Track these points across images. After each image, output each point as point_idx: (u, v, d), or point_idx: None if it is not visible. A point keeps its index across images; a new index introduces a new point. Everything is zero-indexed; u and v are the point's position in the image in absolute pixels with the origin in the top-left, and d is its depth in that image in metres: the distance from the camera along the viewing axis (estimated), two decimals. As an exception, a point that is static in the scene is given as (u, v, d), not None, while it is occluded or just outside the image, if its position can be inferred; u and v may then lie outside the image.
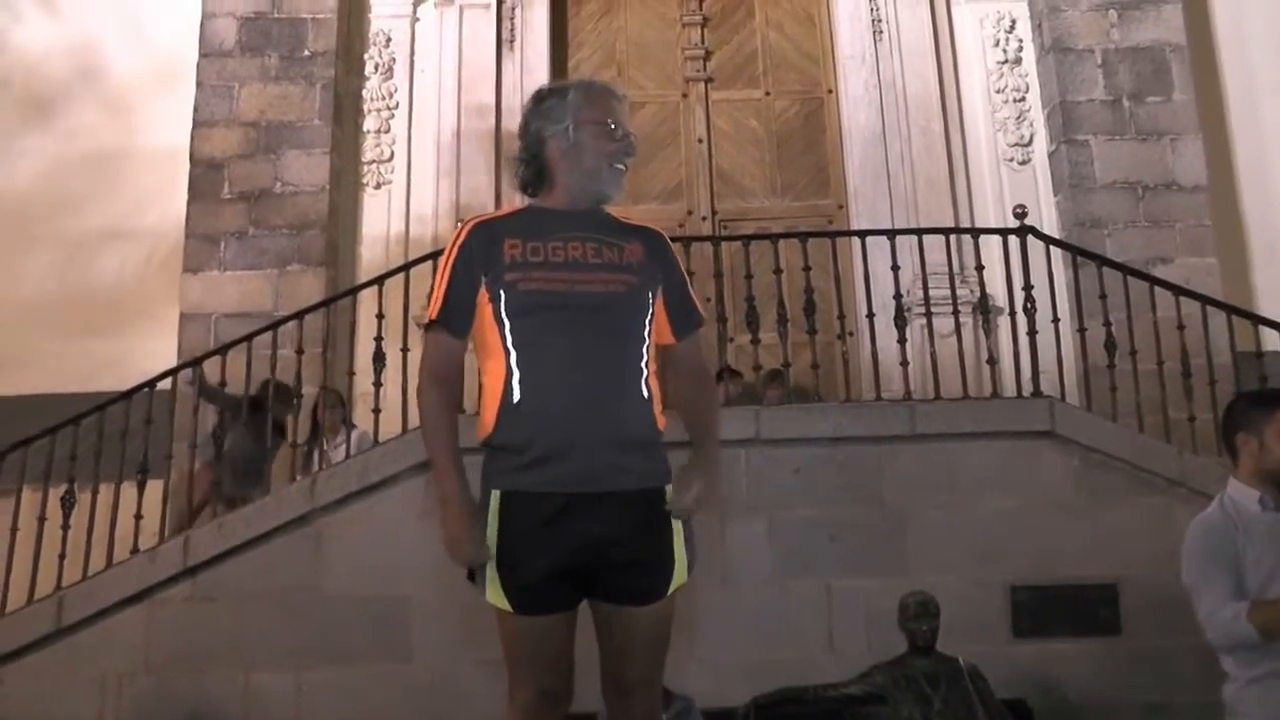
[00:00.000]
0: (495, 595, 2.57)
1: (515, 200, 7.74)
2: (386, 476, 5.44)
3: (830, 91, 8.70)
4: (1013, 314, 5.82)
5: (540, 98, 2.68)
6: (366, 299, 6.20)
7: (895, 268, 5.93)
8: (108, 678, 5.24)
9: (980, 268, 6.13)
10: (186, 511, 5.76)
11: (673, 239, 6.42)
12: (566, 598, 2.56)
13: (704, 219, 8.37)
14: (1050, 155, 8.04)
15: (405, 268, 5.96)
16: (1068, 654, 5.38)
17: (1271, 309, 6.51)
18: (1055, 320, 5.79)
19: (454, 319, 2.58)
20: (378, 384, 5.64)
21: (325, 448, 5.90)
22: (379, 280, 5.86)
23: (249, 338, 5.58)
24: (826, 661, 5.25)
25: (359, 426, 6.11)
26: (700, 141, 8.55)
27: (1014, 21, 8.44)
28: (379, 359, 5.66)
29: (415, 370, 5.77)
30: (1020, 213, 6.39)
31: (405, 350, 5.72)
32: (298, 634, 5.25)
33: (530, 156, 2.65)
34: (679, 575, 2.60)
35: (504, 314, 2.51)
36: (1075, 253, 6.27)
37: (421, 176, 7.75)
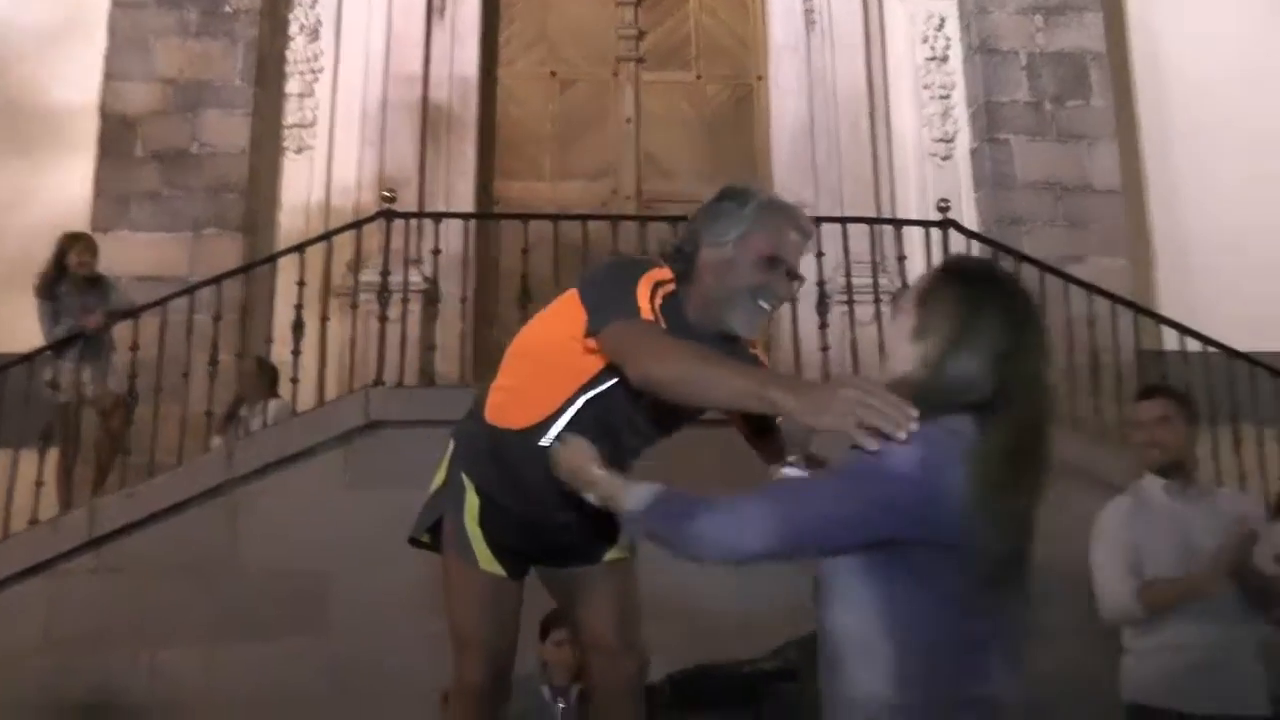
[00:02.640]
0: (488, 563, 2.69)
1: (463, 177, 7.73)
2: (306, 447, 5.32)
3: (760, 79, 8.72)
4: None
5: (722, 196, 2.47)
6: (285, 267, 6.06)
7: (819, 254, 6.00)
8: (5, 654, 5.01)
9: (902, 258, 6.26)
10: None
11: (596, 218, 6.48)
12: (524, 567, 2.78)
13: (629, 199, 8.33)
14: (973, 152, 8.19)
15: (327, 236, 5.83)
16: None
17: (1172, 309, 6.74)
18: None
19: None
20: (296, 352, 5.52)
21: (244, 415, 5.74)
22: (300, 247, 5.73)
23: (163, 301, 5.40)
24: (740, 639, 5.32)
25: (281, 397, 5.97)
26: (629, 122, 8.50)
27: (943, 20, 8.57)
28: (298, 328, 5.53)
29: (335, 341, 5.76)
30: (944, 206, 6.54)
31: (325, 320, 5.61)
32: (209, 608, 5.11)
33: (684, 252, 2.44)
34: (622, 546, 2.76)
35: (595, 382, 2.45)
36: (995, 247, 6.41)
37: (345, 144, 7.56)
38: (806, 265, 6.21)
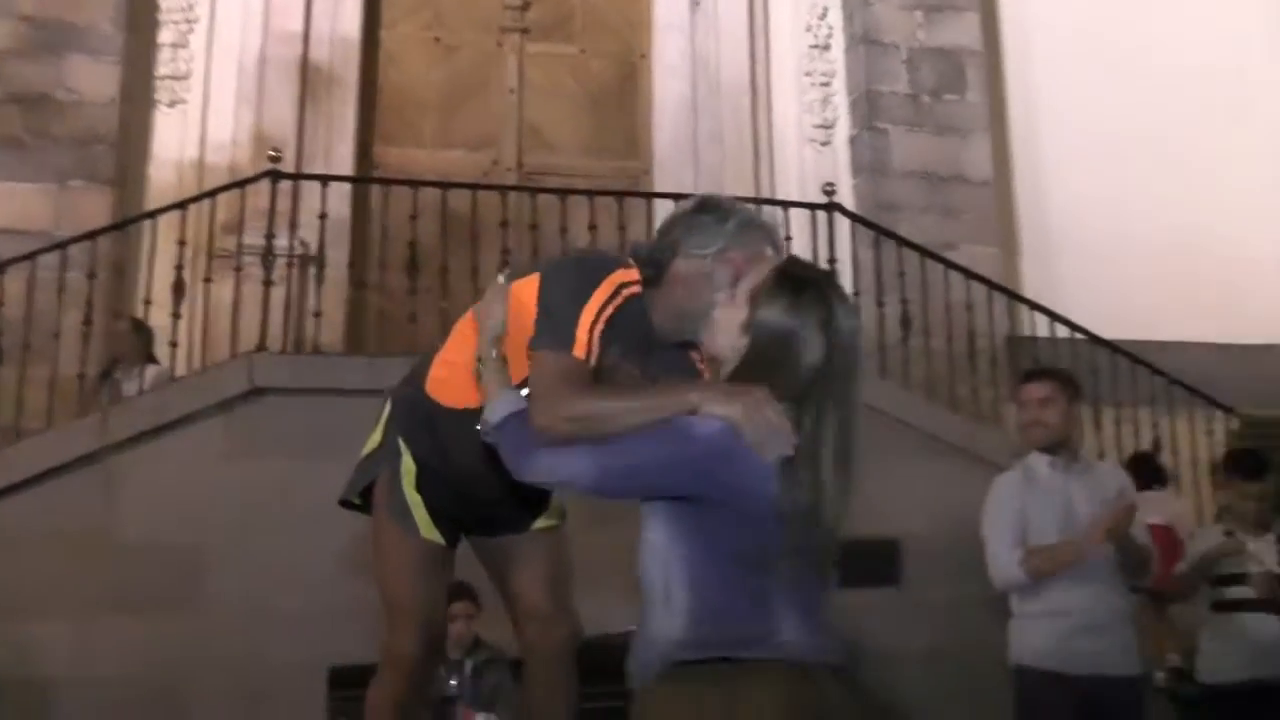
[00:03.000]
0: (429, 530, 2.66)
1: (342, 140, 7.49)
2: (185, 414, 5.10)
3: (644, 57, 8.75)
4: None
5: (701, 207, 2.41)
6: (159, 225, 5.76)
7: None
8: None
9: (788, 239, 6.38)
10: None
11: (486, 187, 6.38)
12: (457, 534, 2.76)
13: (510, 170, 8.25)
14: (852, 140, 8.41)
15: (211, 193, 5.59)
16: (853, 605, 5.72)
17: (1035, 297, 7.07)
18: (856, 294, 6.11)
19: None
20: (176, 315, 5.29)
21: (119, 379, 5.45)
22: (182, 204, 5.48)
23: (32, 256, 5.07)
24: (628, 609, 5.37)
25: (159, 361, 5.69)
26: (512, 92, 8.41)
27: (826, 9, 8.74)
28: (179, 289, 5.29)
29: (218, 304, 5.53)
30: (829, 190, 6.71)
31: (209, 281, 5.38)
32: (81, 581, 4.86)
33: (656, 259, 2.38)
34: (551, 515, 2.78)
35: None
36: (879, 232, 6.61)
37: (221, 100, 7.23)
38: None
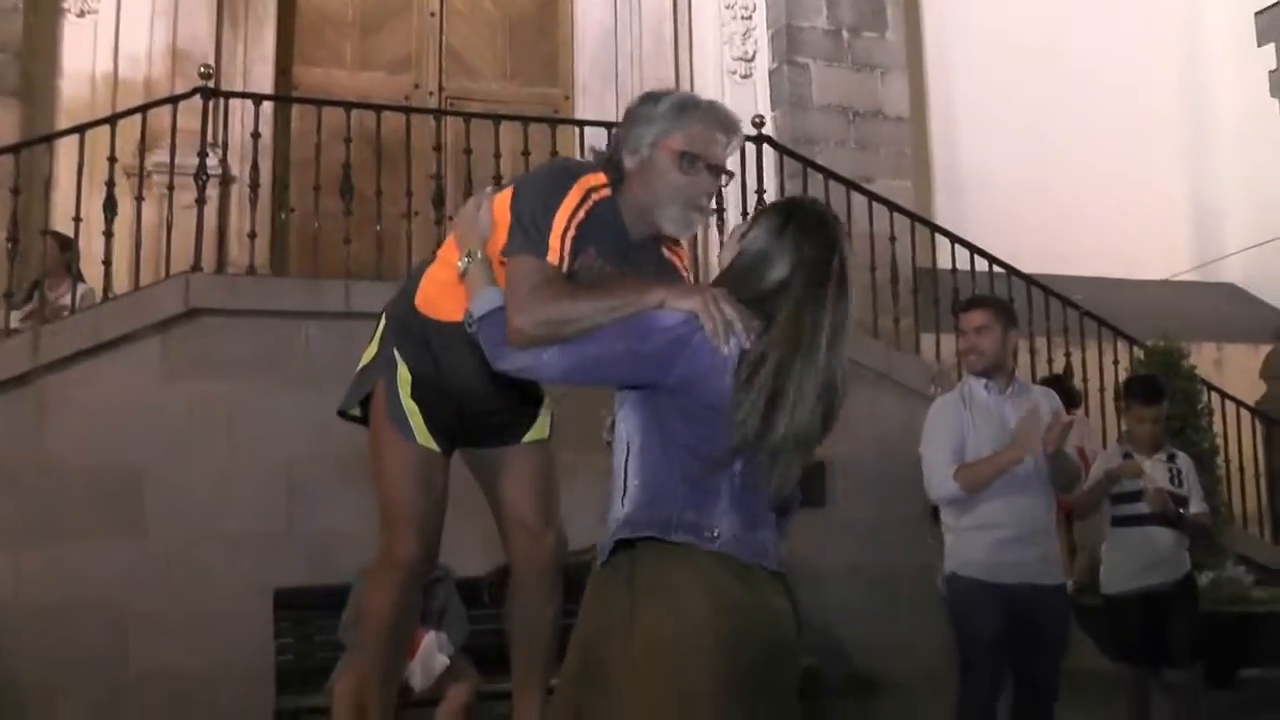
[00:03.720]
0: (424, 437, 2.75)
1: (262, 59, 7.24)
2: (122, 335, 4.98)
3: (566, -17, 8.69)
4: (745, 216, 6.22)
5: (641, 100, 2.43)
6: (69, 144, 5.54)
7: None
8: None
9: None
10: None
11: (397, 109, 6.31)
12: (452, 444, 2.85)
13: (431, 94, 8.14)
14: (771, 73, 8.52)
15: (142, 109, 5.41)
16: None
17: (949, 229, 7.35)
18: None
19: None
20: (109, 234, 5.13)
21: (49, 296, 5.27)
22: (111, 120, 5.29)
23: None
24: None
25: (86, 282, 5.51)
26: (432, 15, 8.27)
27: (748, -57, 8.79)
28: (110, 207, 5.13)
29: (149, 222, 5.37)
30: (758, 122, 6.82)
31: (140, 199, 5.22)
32: (14, 508, 4.76)
33: (609, 158, 2.43)
34: (539, 429, 2.90)
35: None
36: (804, 163, 6.75)
37: (134, 12, 6.92)
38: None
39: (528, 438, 2.87)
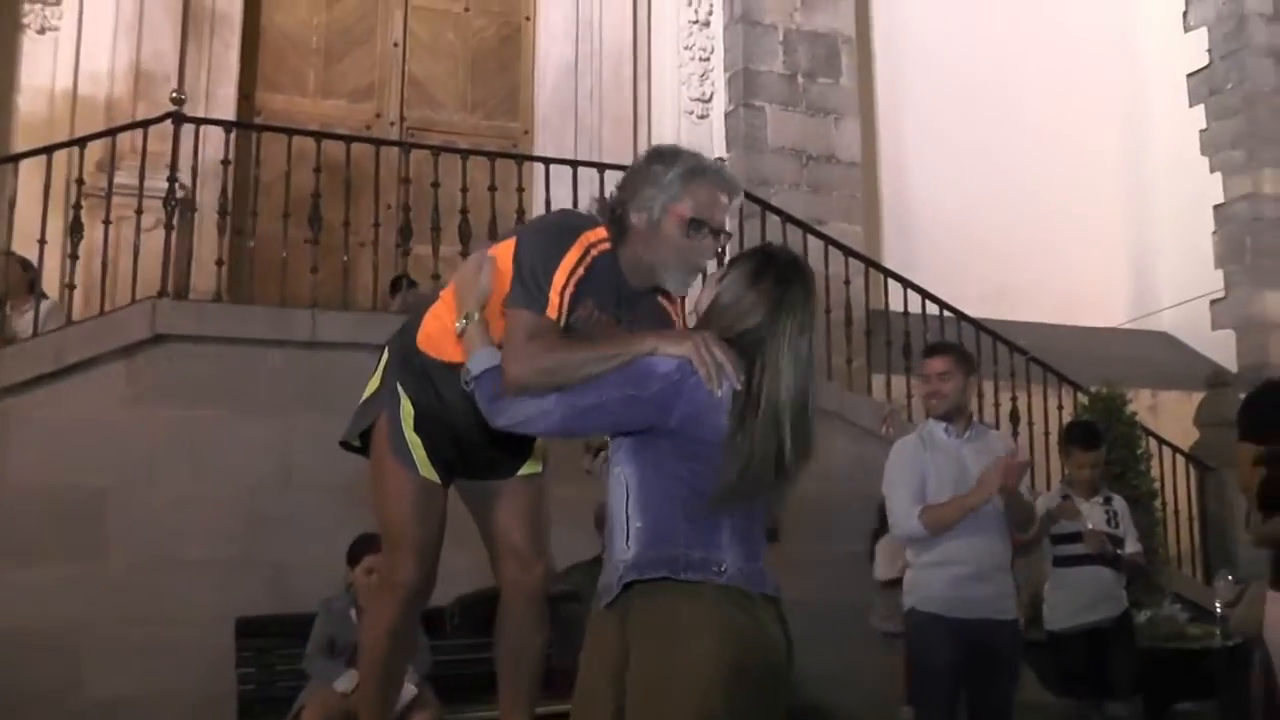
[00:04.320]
0: (427, 469, 2.82)
1: (225, 82, 7.22)
2: (86, 359, 4.94)
3: (528, 19, 8.82)
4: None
5: (650, 158, 2.48)
6: (30, 162, 5.48)
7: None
8: None
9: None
10: None
11: (367, 141, 6.35)
12: (450, 476, 2.91)
13: (392, 124, 8.21)
14: (728, 115, 8.70)
15: (111, 132, 5.38)
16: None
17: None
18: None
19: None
20: (74, 256, 5.10)
21: (10, 314, 5.19)
22: (80, 141, 5.25)
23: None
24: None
25: (50, 296, 5.45)
26: (396, 45, 8.35)
27: (708, -14, 9.00)
28: (76, 230, 5.10)
29: (118, 244, 5.33)
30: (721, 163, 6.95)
31: (107, 223, 5.20)
32: (-26, 528, 4.68)
33: (616, 215, 2.48)
34: (533, 463, 2.98)
35: None
36: (764, 207, 6.91)
37: (97, 29, 6.88)
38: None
39: (523, 471, 2.95)
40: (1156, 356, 8.62)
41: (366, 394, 2.92)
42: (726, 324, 2.11)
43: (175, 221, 5.39)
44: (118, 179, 5.64)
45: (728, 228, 2.54)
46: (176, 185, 5.44)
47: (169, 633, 4.88)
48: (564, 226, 2.60)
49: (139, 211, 5.29)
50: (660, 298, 2.64)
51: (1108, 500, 4.67)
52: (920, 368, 4.15)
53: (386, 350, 2.91)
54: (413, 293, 6.62)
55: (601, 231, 2.52)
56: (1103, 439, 4.89)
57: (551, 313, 2.38)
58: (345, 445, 2.98)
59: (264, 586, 5.06)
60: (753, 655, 2.01)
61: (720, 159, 7.06)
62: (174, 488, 5.03)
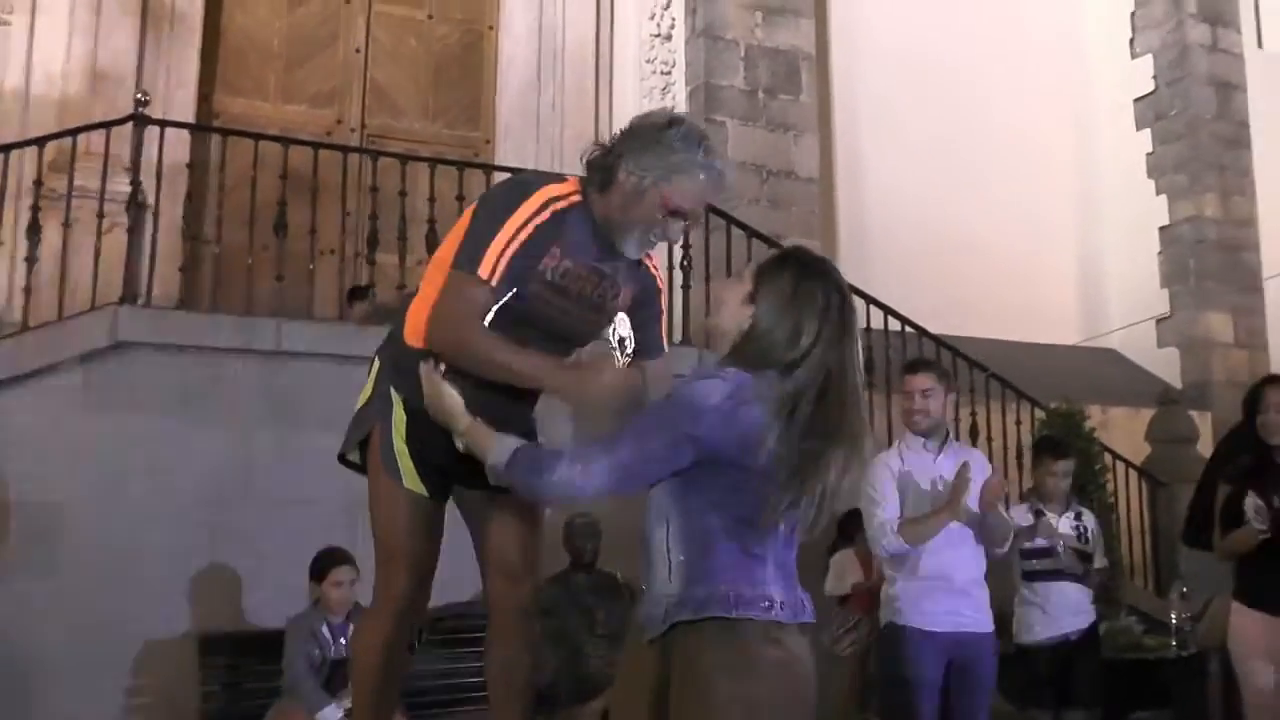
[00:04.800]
0: (413, 482, 2.74)
1: (184, 84, 7.06)
2: (43, 366, 4.79)
3: (491, 28, 8.80)
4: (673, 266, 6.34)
5: (668, 125, 2.47)
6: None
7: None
8: None
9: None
10: None
11: (334, 148, 6.27)
12: (448, 487, 2.84)
13: (353, 131, 8.12)
14: (690, 129, 8.72)
15: (73, 132, 5.24)
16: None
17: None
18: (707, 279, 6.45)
19: (497, 289, 2.49)
20: (31, 259, 4.94)
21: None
22: (39, 141, 5.11)
23: None
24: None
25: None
26: (358, 51, 8.27)
27: (670, 0, 9.04)
28: (34, 232, 4.95)
29: (78, 245, 5.18)
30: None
31: (66, 225, 5.06)
32: (-76, 540, 4.51)
33: (607, 163, 2.50)
34: None
35: (497, 302, 2.52)
36: (730, 221, 6.92)
37: (51, 26, 6.70)
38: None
39: None
40: (1105, 373, 8.82)
41: (359, 404, 2.86)
42: (777, 350, 2.02)
43: (136, 225, 5.24)
44: (76, 181, 5.50)
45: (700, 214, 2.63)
46: (121, 187, 5.31)
47: (128, 650, 4.75)
48: (518, 184, 2.66)
49: (100, 215, 5.15)
50: (648, 261, 2.70)
51: (1078, 515, 4.74)
52: (904, 383, 4.17)
53: (376, 358, 2.85)
54: (372, 301, 6.55)
55: (567, 186, 2.55)
56: (1071, 451, 4.99)
57: (483, 271, 2.44)
58: (343, 460, 2.92)
59: (227, 602, 4.95)
60: (791, 692, 2.01)
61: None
62: (133, 500, 4.89)
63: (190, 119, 6.94)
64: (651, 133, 2.47)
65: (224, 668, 4.69)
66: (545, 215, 2.47)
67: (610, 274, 2.61)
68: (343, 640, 4.37)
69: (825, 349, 2.03)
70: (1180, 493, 6.66)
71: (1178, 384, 8.75)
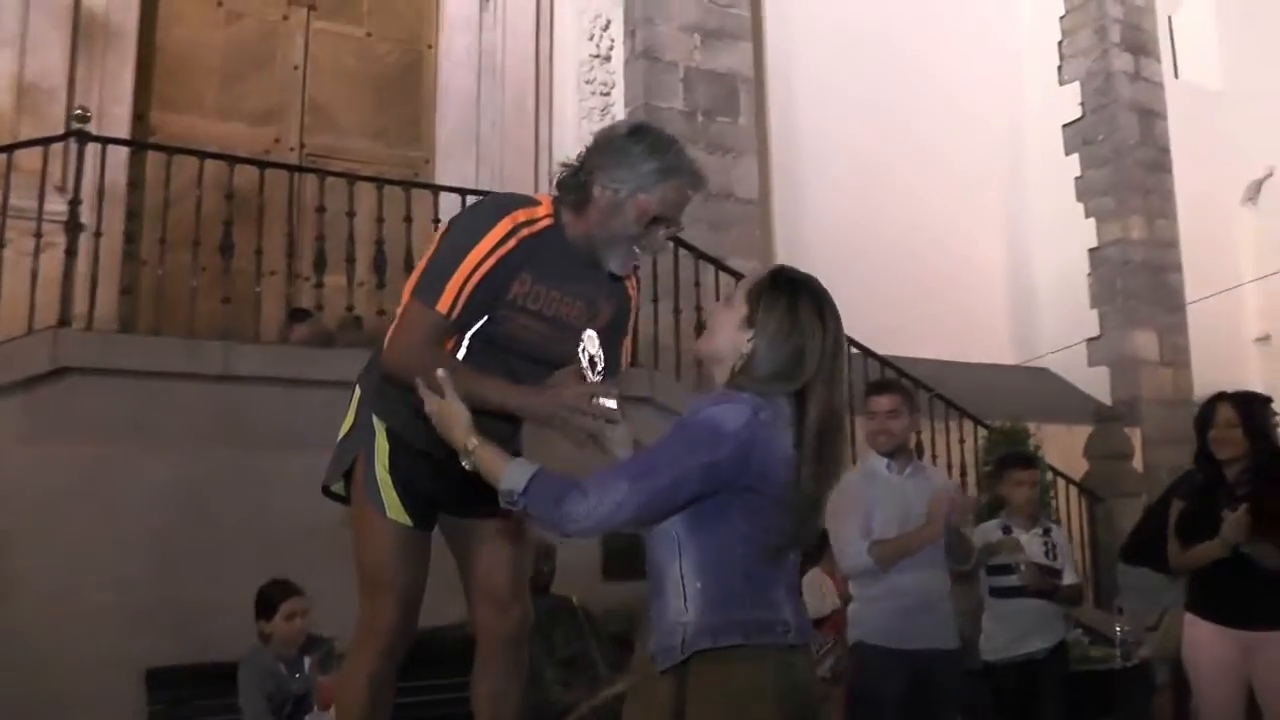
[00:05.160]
0: (396, 512, 2.71)
1: (118, 100, 6.84)
2: (-19, 393, 4.61)
3: (431, 47, 8.72)
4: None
5: (631, 135, 2.48)
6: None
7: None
8: None
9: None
10: None
11: (282, 167, 6.19)
12: (433, 516, 2.82)
13: (292, 150, 7.98)
14: (630, 150, 8.75)
15: (8, 149, 5.04)
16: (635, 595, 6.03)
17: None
18: (654, 300, 6.48)
19: (457, 319, 2.47)
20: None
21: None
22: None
23: None
24: (447, 601, 5.39)
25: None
26: (296, 69, 8.12)
27: (609, 22, 9.06)
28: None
29: (12, 266, 5.00)
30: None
31: (0, 246, 4.88)
32: None
33: (579, 181, 2.48)
34: None
35: (470, 328, 2.51)
36: (678, 243, 6.96)
37: (-25, 37, 6.48)
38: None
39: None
40: (1037, 391, 9.05)
41: (341, 433, 2.81)
42: (786, 376, 2.04)
43: (74, 246, 5.07)
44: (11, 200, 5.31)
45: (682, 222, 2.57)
46: (59, 207, 5.14)
47: (72, 684, 4.55)
48: (489, 207, 2.59)
49: (38, 235, 4.97)
50: (627, 280, 2.67)
51: (1046, 531, 4.75)
52: (867, 404, 4.20)
53: (357, 386, 2.80)
54: (314, 323, 6.42)
55: (538, 210, 2.51)
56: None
57: (442, 306, 2.42)
58: (327, 492, 2.86)
59: (174, 634, 4.79)
60: (809, 715, 2.03)
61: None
62: (77, 529, 4.72)
63: (125, 135, 6.74)
64: (620, 145, 2.46)
65: (172, 702, 4.54)
66: (511, 244, 2.45)
67: (587, 295, 2.59)
68: (299, 675, 4.25)
69: (825, 369, 2.06)
70: (1118, 507, 6.87)
71: (1108, 401, 9.02)
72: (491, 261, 2.43)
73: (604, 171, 2.43)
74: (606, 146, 2.47)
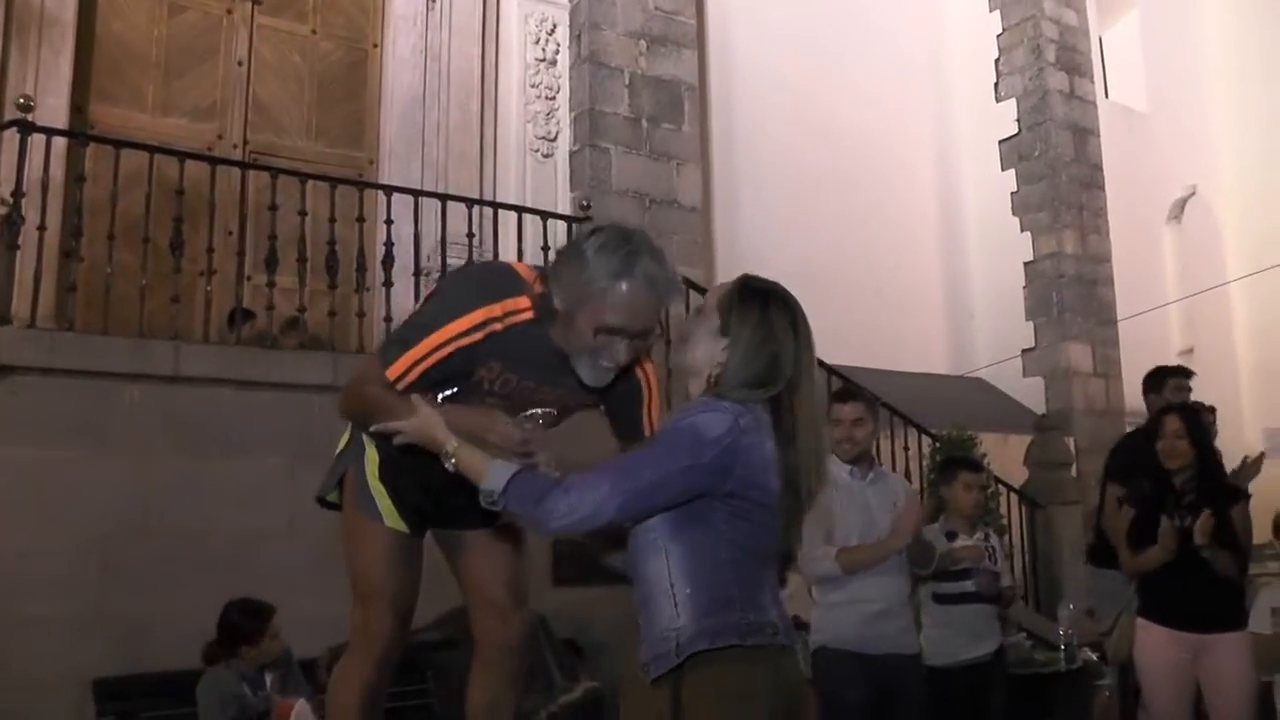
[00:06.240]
0: (393, 520, 2.70)
1: (55, 92, 6.63)
2: (-82, 393, 4.42)
3: (376, 46, 8.61)
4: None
5: (591, 235, 2.30)
6: None
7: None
8: None
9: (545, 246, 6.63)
10: None
11: (232, 164, 6.07)
12: (425, 523, 2.81)
13: (235, 146, 7.80)
14: (573, 154, 8.74)
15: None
16: (599, 598, 6.01)
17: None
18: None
19: (406, 388, 2.39)
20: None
21: None
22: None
23: None
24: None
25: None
26: (240, 64, 7.96)
27: (555, 26, 9.04)
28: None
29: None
30: (585, 205, 7.01)
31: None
32: None
33: (548, 291, 2.36)
34: None
35: (442, 395, 2.45)
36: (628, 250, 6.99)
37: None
38: (406, 239, 6.26)
39: (503, 519, 2.84)
40: (973, 401, 9.24)
41: (338, 449, 2.82)
42: (767, 383, 2.06)
43: (18, 242, 4.90)
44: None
45: (655, 330, 2.40)
46: (21, 202, 4.97)
47: (12, 698, 4.40)
48: (474, 289, 2.47)
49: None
50: (638, 369, 2.49)
51: (985, 536, 4.84)
52: (831, 412, 4.23)
53: None
54: (253, 326, 6.30)
55: (521, 303, 2.40)
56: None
57: (390, 374, 2.38)
58: (322, 503, 2.83)
59: (119, 643, 4.66)
60: (796, 710, 2.07)
61: (586, 201, 7.13)
62: (18, 536, 4.56)
63: (63, 128, 6.53)
64: (574, 249, 2.33)
65: (122, 714, 4.42)
66: (477, 337, 2.37)
67: (564, 390, 2.49)
68: (260, 692, 4.16)
69: (799, 374, 2.10)
70: (1057, 515, 7.05)
71: (1042, 411, 9.26)
72: (450, 349, 2.38)
73: (557, 281, 2.30)
74: (567, 250, 2.39)
